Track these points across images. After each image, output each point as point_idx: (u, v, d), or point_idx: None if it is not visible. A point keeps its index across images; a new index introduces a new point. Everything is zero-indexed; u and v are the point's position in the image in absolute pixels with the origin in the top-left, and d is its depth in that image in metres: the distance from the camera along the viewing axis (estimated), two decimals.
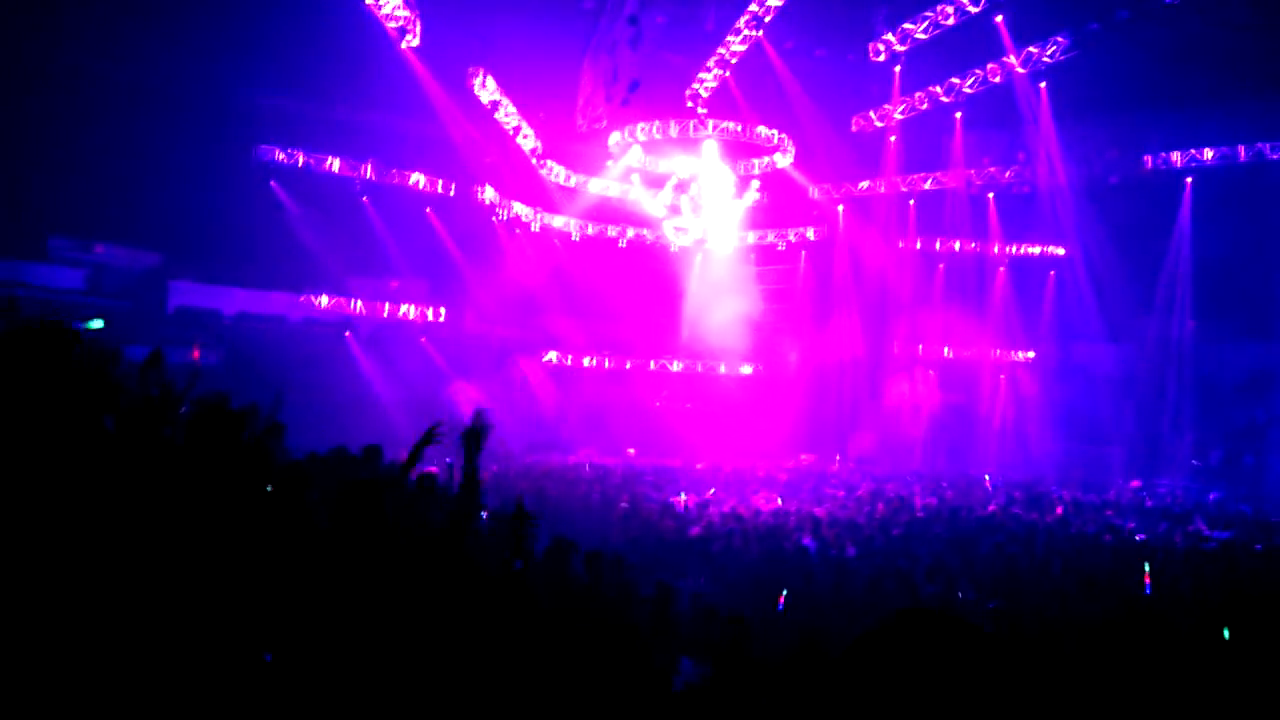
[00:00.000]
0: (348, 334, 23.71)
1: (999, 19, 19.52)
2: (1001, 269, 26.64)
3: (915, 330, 27.15)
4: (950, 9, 19.16)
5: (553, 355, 27.07)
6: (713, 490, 17.55)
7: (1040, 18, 19.61)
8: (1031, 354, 26.86)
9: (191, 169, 19.08)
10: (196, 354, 19.21)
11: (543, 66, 21.22)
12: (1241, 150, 21.98)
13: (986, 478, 19.93)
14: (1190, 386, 23.88)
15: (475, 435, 4.75)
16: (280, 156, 22.02)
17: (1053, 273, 26.23)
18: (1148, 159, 22.68)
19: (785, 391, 27.59)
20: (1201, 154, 22.43)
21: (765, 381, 28.30)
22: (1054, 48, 19.88)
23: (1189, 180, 22.97)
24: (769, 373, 28.47)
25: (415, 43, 19.18)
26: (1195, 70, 19.98)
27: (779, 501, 16.64)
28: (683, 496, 16.20)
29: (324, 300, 23.30)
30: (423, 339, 24.80)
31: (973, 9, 18.99)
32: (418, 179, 23.93)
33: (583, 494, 15.81)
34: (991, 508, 15.71)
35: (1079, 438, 24.56)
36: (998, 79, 20.86)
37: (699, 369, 28.40)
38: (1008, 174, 24.42)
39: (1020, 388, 26.96)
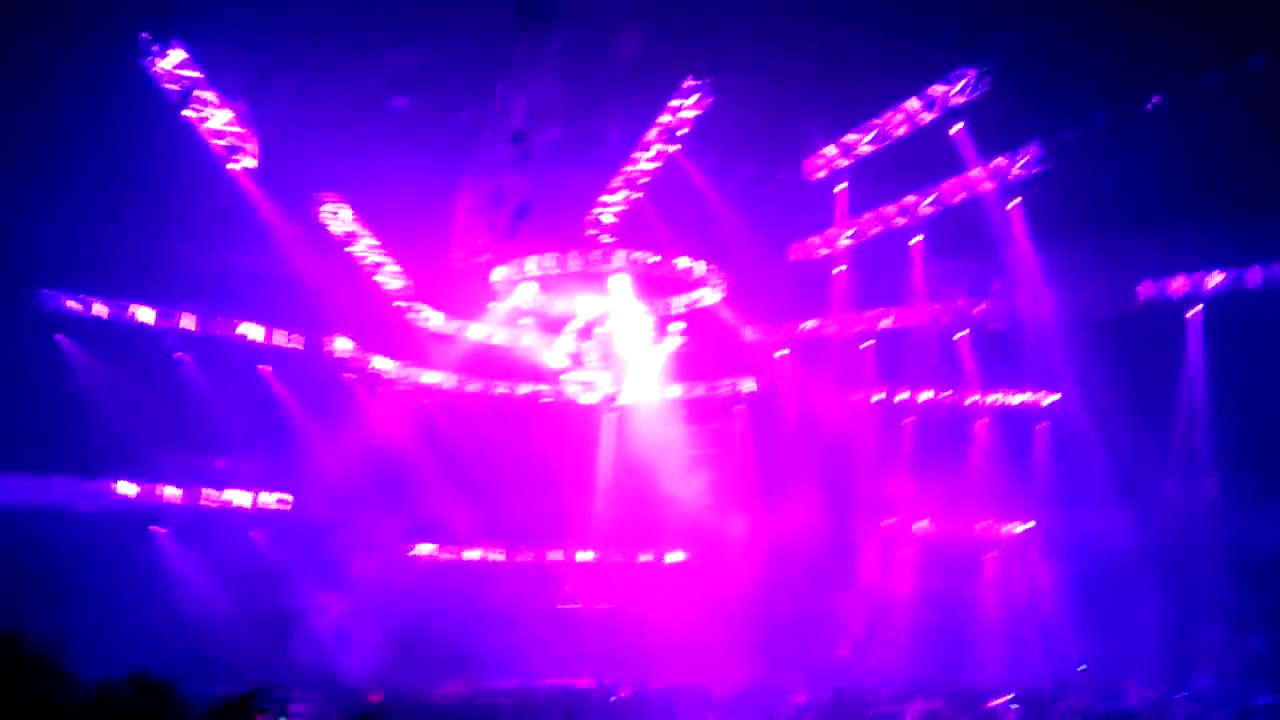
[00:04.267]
0: (155, 529, 23.28)
1: (958, 128, 20.88)
2: (981, 422, 27.46)
3: (882, 501, 27.61)
4: (900, 116, 20.49)
5: (427, 548, 26.91)
6: None
7: (1008, 125, 21.02)
8: (1027, 524, 27.45)
9: None
10: None
11: (409, 191, 21.80)
12: (1258, 272, 23.30)
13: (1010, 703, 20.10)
14: (1221, 559, 24.44)
15: None
16: (72, 304, 22.03)
17: (1043, 424, 27.11)
18: (1144, 287, 23.99)
19: (726, 583, 27.62)
20: (1207, 279, 23.80)
21: (700, 571, 28.36)
22: (1025, 159, 21.27)
23: (1195, 310, 24.26)
24: (704, 559, 28.56)
25: (250, 164, 19.71)
26: (1193, 183, 21.40)
27: None
28: None
29: (125, 486, 22.91)
30: (253, 532, 24.47)
31: (926, 116, 20.33)
32: (251, 330, 24.14)
33: None
34: None
35: (1094, 627, 24.91)
36: (961, 197, 22.09)
37: (615, 559, 28.40)
38: (980, 308, 25.55)
39: (1015, 567, 27.41)
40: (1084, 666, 20.09)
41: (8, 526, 21.40)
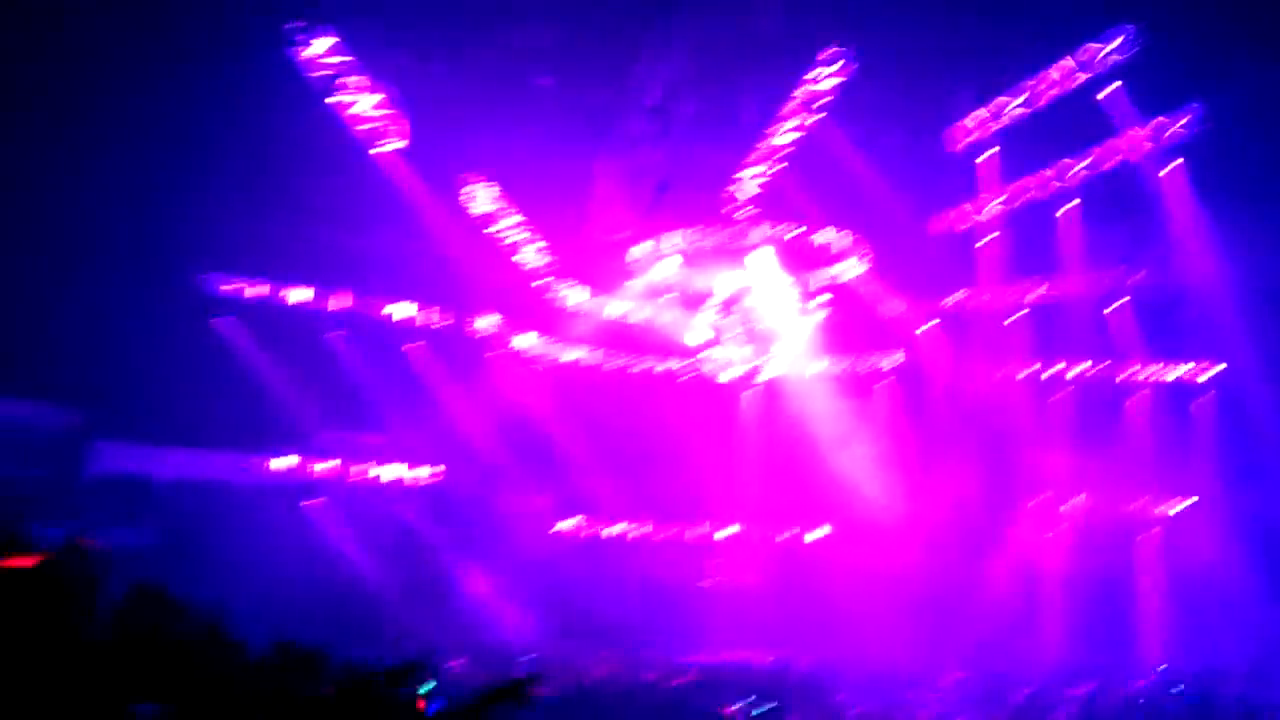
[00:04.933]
0: (310, 503, 24.08)
1: (1113, 88, 20.17)
2: (1141, 395, 26.65)
3: (1037, 478, 27.04)
4: (1049, 80, 19.91)
5: (571, 522, 27.32)
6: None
7: (1166, 85, 20.24)
8: (1189, 501, 26.60)
9: (119, 305, 19.91)
10: None
11: (549, 169, 22.06)
12: None
13: None
14: None
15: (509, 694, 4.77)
16: (230, 287, 22.87)
17: (1205, 398, 26.18)
18: None
19: (873, 560, 27.41)
20: None
21: (846, 548, 28.18)
22: (1184, 120, 20.45)
23: None
24: (849, 536, 28.36)
25: (397, 147, 20.21)
26: None
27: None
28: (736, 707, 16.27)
29: (283, 461, 23.77)
30: (406, 507, 25.14)
31: (1078, 78, 19.71)
32: (400, 309, 24.78)
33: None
34: None
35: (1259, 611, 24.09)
36: (1112, 163, 21.40)
37: (759, 535, 28.40)
38: (1139, 276, 24.75)
39: (1178, 546, 26.59)
40: (1164, 666, 19.48)
41: (175, 499, 22.56)
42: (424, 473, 25.70)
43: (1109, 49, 19.25)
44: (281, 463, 23.85)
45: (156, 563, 18.60)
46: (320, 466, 24.43)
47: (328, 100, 19.51)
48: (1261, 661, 22.34)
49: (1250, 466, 24.95)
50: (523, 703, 4.72)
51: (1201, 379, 26.01)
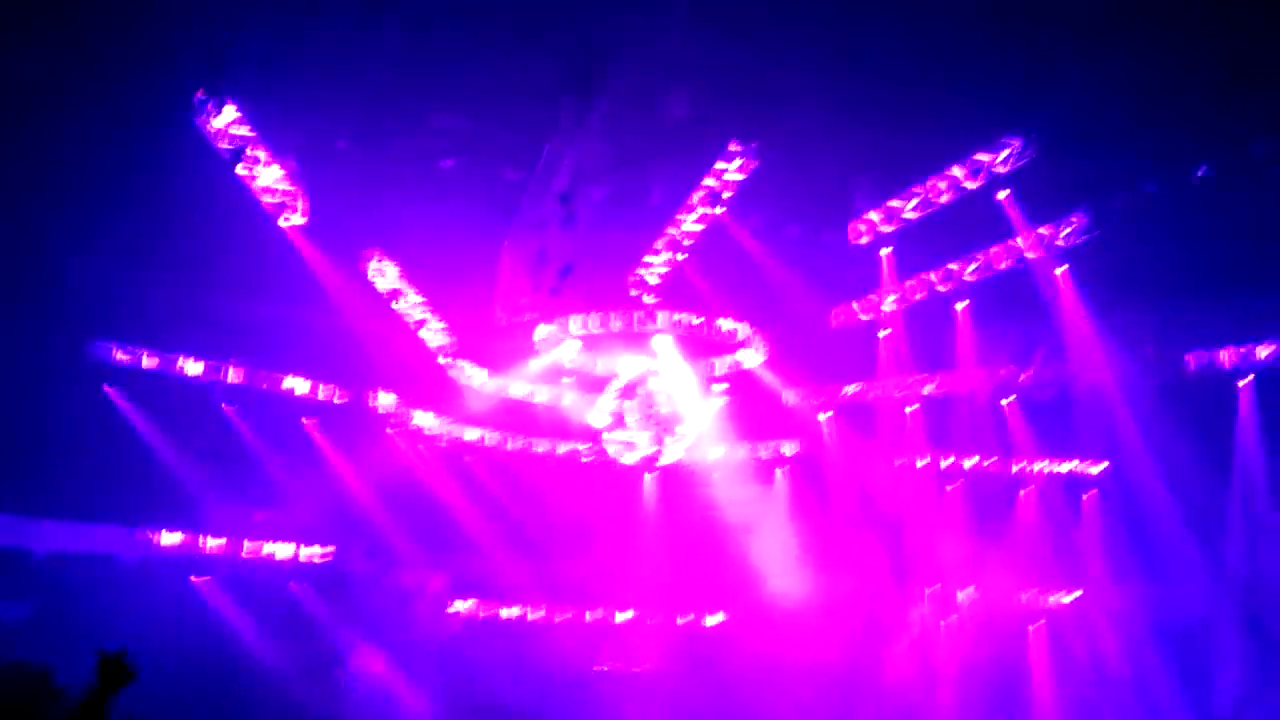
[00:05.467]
0: (199, 579, 23.55)
1: (1004, 195, 20.92)
2: (1026, 490, 27.20)
3: (928, 568, 27.38)
4: (944, 184, 20.57)
5: (463, 604, 27.00)
6: None
7: (1054, 193, 21.04)
8: (1074, 594, 27.08)
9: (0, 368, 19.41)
10: None
11: (455, 248, 22.15)
12: None
13: None
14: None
15: None
16: (121, 355, 22.47)
17: (1089, 494, 26.80)
18: (1191, 357, 23.81)
19: (766, 647, 27.45)
20: (1258, 349, 23.55)
21: (740, 634, 28.21)
22: (1070, 227, 21.26)
23: (1245, 382, 24.00)
24: (745, 622, 28.41)
25: (298, 221, 20.10)
26: (1245, 252, 21.31)
27: None
28: None
29: (168, 536, 23.21)
30: (292, 584, 24.68)
31: (970, 184, 20.39)
32: (296, 383, 24.53)
33: None
34: None
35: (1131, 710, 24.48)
36: (1005, 264, 22.12)
37: (655, 620, 28.32)
38: (1024, 376, 25.35)
39: (1068, 639, 27.01)
40: None
41: (54, 574, 21.88)
42: (317, 550, 25.25)
43: (1002, 156, 19.96)
44: (170, 537, 23.29)
45: (34, 640, 18.09)
46: (210, 542, 23.89)
47: (229, 171, 19.34)
48: None
49: (1139, 560, 25.58)
50: None
51: (1092, 472, 26.73)
